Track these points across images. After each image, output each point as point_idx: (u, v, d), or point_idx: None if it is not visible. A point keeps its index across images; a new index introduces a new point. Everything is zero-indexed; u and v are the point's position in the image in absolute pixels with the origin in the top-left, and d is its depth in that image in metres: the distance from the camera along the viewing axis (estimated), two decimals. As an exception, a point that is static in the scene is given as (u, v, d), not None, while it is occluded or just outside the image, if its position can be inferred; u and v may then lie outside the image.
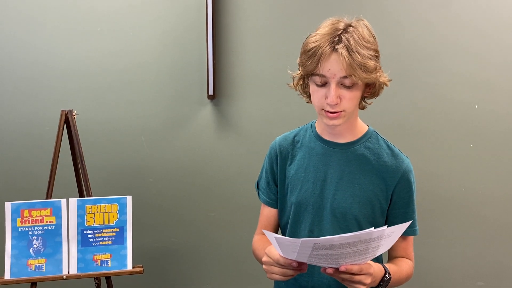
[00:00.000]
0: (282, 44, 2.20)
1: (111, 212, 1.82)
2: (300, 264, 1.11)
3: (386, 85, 1.24)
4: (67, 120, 1.90)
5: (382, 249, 1.09)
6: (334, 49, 1.14)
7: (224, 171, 2.27)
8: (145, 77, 2.24)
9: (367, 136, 1.31)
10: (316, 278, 1.31)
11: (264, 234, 1.42)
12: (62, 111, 1.89)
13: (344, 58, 1.12)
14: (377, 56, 1.19)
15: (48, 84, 2.24)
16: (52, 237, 1.77)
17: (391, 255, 1.35)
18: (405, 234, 1.30)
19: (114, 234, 1.82)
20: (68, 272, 1.78)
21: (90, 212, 1.80)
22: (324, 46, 1.14)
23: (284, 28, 2.20)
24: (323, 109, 1.20)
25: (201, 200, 2.29)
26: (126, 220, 1.83)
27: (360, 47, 1.14)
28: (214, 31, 2.18)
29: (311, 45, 1.17)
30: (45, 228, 1.77)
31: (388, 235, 1.05)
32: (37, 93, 2.24)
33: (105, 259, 1.80)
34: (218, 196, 2.28)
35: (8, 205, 1.75)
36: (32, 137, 2.25)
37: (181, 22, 2.22)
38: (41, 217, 1.77)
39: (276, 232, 1.45)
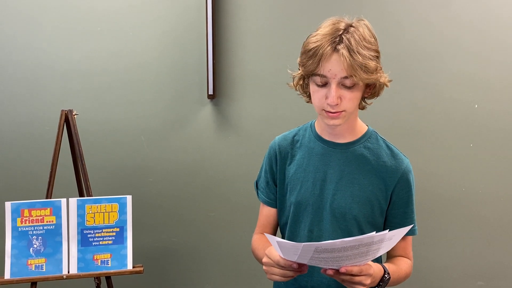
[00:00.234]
0: (282, 44, 2.20)
1: (111, 211, 1.82)
2: (300, 265, 1.11)
3: (387, 85, 1.24)
4: (67, 120, 1.90)
5: (383, 251, 1.09)
6: (335, 50, 1.14)
7: (224, 171, 2.27)
8: (145, 77, 2.24)
9: (366, 136, 1.31)
10: (316, 278, 1.31)
11: (263, 234, 1.42)
12: (62, 111, 1.89)
13: (345, 58, 1.12)
14: (377, 57, 1.19)
15: (48, 84, 2.24)
16: (52, 236, 1.77)
17: (390, 254, 1.35)
18: (404, 234, 1.31)
19: (114, 233, 1.82)
20: (68, 272, 1.78)
21: (90, 211, 1.80)
22: (325, 46, 1.14)
23: (284, 28, 2.20)
24: (323, 109, 1.20)
25: (201, 200, 2.29)
26: (126, 220, 1.83)
27: (361, 48, 1.14)
28: (214, 31, 2.18)
29: (312, 45, 1.17)
30: (45, 227, 1.77)
31: (389, 238, 1.05)
32: (37, 93, 2.24)
33: (105, 259, 1.80)
34: (218, 196, 2.29)
35: (8, 205, 1.75)
36: (32, 137, 2.25)
37: (181, 22, 2.22)
38: (41, 217, 1.77)
39: (275, 231, 1.45)
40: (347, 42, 1.13)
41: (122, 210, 1.82)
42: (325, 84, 1.18)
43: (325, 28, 1.18)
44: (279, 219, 1.41)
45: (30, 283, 1.77)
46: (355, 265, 1.07)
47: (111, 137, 2.26)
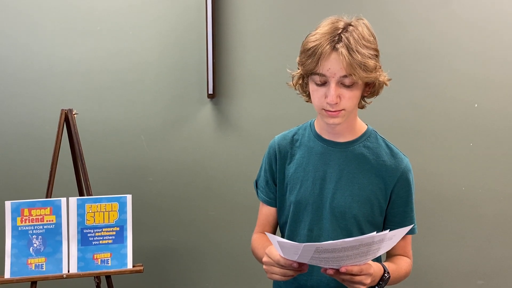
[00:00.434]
0: (282, 43, 2.20)
1: (111, 211, 1.82)
2: (300, 264, 1.11)
3: (386, 84, 1.25)
4: (67, 119, 1.90)
5: (383, 250, 1.10)
6: (334, 48, 1.14)
7: (224, 170, 2.27)
8: (145, 76, 2.24)
9: (366, 135, 1.31)
10: (315, 277, 1.31)
11: (263, 233, 1.42)
12: (62, 110, 1.89)
13: (344, 57, 1.12)
14: (377, 55, 1.19)
15: (48, 83, 2.24)
16: (52, 236, 1.77)
17: (390, 253, 1.35)
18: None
19: (114, 233, 1.82)
20: (68, 271, 1.78)
21: (90, 211, 1.80)
22: (324, 45, 1.14)
23: (284, 27, 2.20)
24: (323, 109, 1.21)
25: (201, 199, 2.29)
26: (126, 219, 1.83)
27: (360, 46, 1.14)
28: (214, 31, 2.19)
29: (311, 44, 1.17)
30: (45, 227, 1.77)
31: (390, 238, 1.06)
32: (37, 93, 2.24)
33: (105, 258, 1.80)
34: (218, 195, 2.29)
35: (8, 204, 1.75)
36: (32, 136, 2.25)
37: (181, 21, 2.22)
38: (41, 216, 1.77)
39: (275, 230, 1.45)
40: (346, 41, 1.13)
41: (122, 210, 1.83)
42: (324, 83, 1.18)
43: (324, 27, 1.19)
44: (279, 218, 1.41)
45: (30, 282, 1.77)
46: (355, 265, 1.07)
47: (111, 136, 2.26)
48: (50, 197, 1.83)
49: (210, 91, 2.20)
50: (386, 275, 1.19)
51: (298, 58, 1.24)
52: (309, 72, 1.19)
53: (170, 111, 2.26)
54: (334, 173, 1.29)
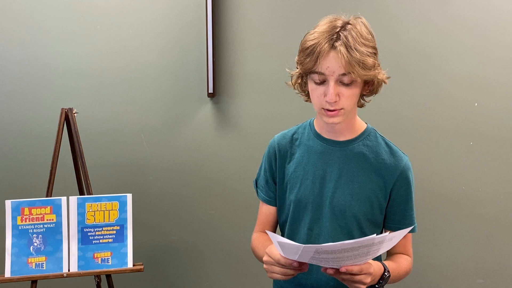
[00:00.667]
0: (282, 42, 2.20)
1: (111, 210, 1.82)
2: (300, 264, 1.11)
3: (385, 82, 1.25)
4: (67, 118, 1.90)
5: (383, 250, 1.10)
6: (332, 47, 1.14)
7: (224, 169, 2.27)
8: (145, 75, 2.24)
9: (365, 134, 1.32)
10: (315, 276, 1.31)
11: (263, 232, 1.42)
12: (62, 109, 1.89)
13: (343, 55, 1.12)
14: (375, 53, 1.19)
15: (48, 82, 2.23)
16: (53, 235, 1.77)
17: (391, 251, 1.36)
18: None
19: (114, 232, 1.82)
20: (69, 270, 1.78)
21: (91, 210, 1.80)
22: (322, 44, 1.14)
23: (284, 26, 2.20)
24: (322, 108, 1.21)
25: (201, 198, 2.29)
26: (126, 218, 1.83)
27: (359, 44, 1.14)
28: (214, 29, 2.18)
29: (309, 43, 1.17)
30: (45, 226, 1.77)
31: (390, 239, 1.06)
32: (37, 92, 2.24)
33: (106, 257, 1.81)
34: (218, 194, 2.29)
35: (8, 203, 1.75)
36: (32, 135, 2.25)
37: (181, 20, 2.22)
38: (41, 215, 1.77)
39: (275, 229, 1.46)
40: (344, 39, 1.14)
41: (122, 209, 1.83)
42: (323, 82, 1.18)
43: (322, 26, 1.19)
44: (279, 217, 1.41)
45: (30, 281, 1.77)
46: (355, 265, 1.07)
47: (111, 135, 2.26)
48: (51, 196, 1.83)
49: (210, 90, 2.20)
50: (386, 274, 1.20)
51: (296, 57, 1.24)
52: (307, 71, 1.19)
53: (170, 110, 2.26)
54: (334, 172, 1.29)
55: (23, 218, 1.76)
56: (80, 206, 1.79)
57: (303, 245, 1.01)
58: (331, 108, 1.19)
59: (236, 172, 2.27)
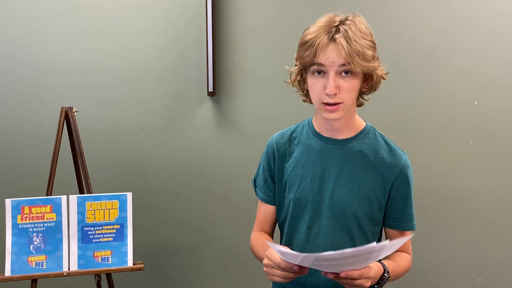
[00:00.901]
0: (282, 41, 2.20)
1: (112, 209, 1.82)
2: (301, 267, 1.11)
3: (384, 78, 1.25)
4: (67, 117, 1.90)
5: (383, 255, 1.10)
6: (332, 39, 1.15)
7: (224, 168, 2.28)
8: (145, 74, 2.24)
9: (364, 132, 1.31)
10: (314, 276, 1.31)
11: (262, 231, 1.42)
12: (62, 108, 1.89)
13: (343, 46, 1.13)
14: (374, 48, 1.20)
15: (48, 81, 2.23)
16: (53, 234, 1.77)
17: None
18: (404, 229, 1.32)
19: (114, 231, 1.82)
20: (69, 269, 1.78)
21: (91, 209, 1.80)
22: (322, 36, 1.15)
23: (284, 25, 2.20)
24: (321, 103, 1.20)
25: (201, 197, 2.29)
26: (126, 217, 1.83)
27: (358, 38, 1.15)
28: (214, 28, 2.18)
29: (309, 37, 1.17)
30: (45, 225, 1.77)
31: (390, 246, 1.07)
32: (37, 91, 2.24)
33: (106, 256, 1.81)
34: (218, 193, 2.29)
35: (8, 202, 1.75)
36: (32, 134, 2.25)
37: (181, 19, 2.22)
38: (42, 214, 1.77)
39: (274, 228, 1.46)
40: (344, 32, 1.15)
41: (122, 207, 1.83)
42: (323, 75, 1.18)
43: (321, 22, 1.20)
44: (278, 216, 1.41)
45: (30, 280, 1.77)
46: (356, 270, 1.07)
47: (111, 134, 2.26)
48: (51, 195, 1.83)
49: (210, 89, 2.19)
50: (386, 274, 1.20)
51: (295, 54, 1.24)
52: (307, 64, 1.19)
53: (170, 109, 2.26)
54: (333, 171, 1.29)
55: (23, 217, 1.76)
56: (80, 205, 1.79)
57: (303, 253, 1.02)
58: (331, 102, 1.18)
59: (236, 171, 2.27)
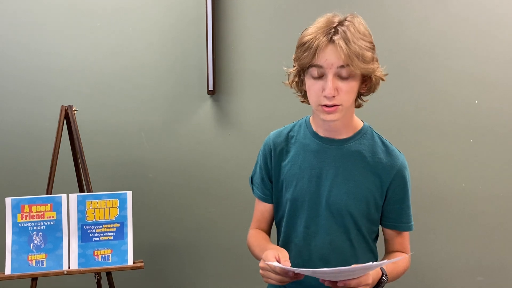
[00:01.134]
0: (282, 40, 2.20)
1: (112, 207, 1.82)
2: (296, 273, 1.13)
3: (382, 79, 1.24)
4: (67, 116, 1.90)
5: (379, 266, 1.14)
6: (330, 40, 1.14)
7: (224, 167, 2.27)
8: (145, 72, 2.24)
9: (362, 132, 1.31)
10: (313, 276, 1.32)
11: (258, 229, 1.43)
12: (62, 106, 1.89)
13: (342, 48, 1.12)
14: (373, 49, 1.19)
15: (48, 80, 2.23)
16: (53, 232, 1.77)
17: (388, 249, 1.37)
18: (401, 230, 1.33)
19: (114, 229, 1.82)
20: (69, 268, 1.78)
21: (91, 207, 1.80)
22: (320, 38, 1.14)
23: (284, 24, 2.20)
24: (319, 104, 1.20)
25: (201, 196, 2.29)
26: (126, 216, 1.83)
27: (356, 39, 1.14)
28: (214, 27, 2.18)
29: (307, 38, 1.17)
30: (45, 223, 1.77)
31: (387, 264, 1.10)
32: (37, 90, 2.23)
33: (106, 255, 1.81)
34: (218, 192, 2.29)
35: (8, 201, 1.75)
36: (32, 133, 2.24)
37: (181, 18, 2.22)
38: (42, 213, 1.77)
39: (271, 225, 1.46)
40: (343, 33, 1.14)
41: (123, 206, 1.83)
42: (321, 77, 1.17)
43: (319, 22, 1.19)
44: (275, 215, 1.42)
45: (30, 278, 1.77)
46: (353, 279, 1.09)
47: (111, 133, 2.26)
48: (51, 194, 1.83)
49: (210, 88, 2.19)
50: (384, 278, 1.21)
51: (294, 55, 1.23)
52: (305, 65, 1.18)
53: (170, 107, 2.26)
54: (330, 171, 1.29)
55: (23, 216, 1.76)
56: (80, 203, 1.79)
57: (299, 269, 1.05)
58: (329, 104, 1.17)
59: (236, 170, 2.27)
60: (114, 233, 1.82)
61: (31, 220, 1.76)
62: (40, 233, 1.77)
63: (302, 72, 1.24)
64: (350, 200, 1.27)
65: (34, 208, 1.76)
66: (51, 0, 2.20)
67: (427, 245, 2.25)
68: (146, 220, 2.28)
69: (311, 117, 1.36)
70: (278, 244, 1.41)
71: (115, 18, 2.21)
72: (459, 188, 2.22)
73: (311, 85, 1.20)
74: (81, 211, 1.79)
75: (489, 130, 2.19)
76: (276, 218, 1.42)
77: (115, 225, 1.82)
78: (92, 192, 1.86)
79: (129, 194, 1.84)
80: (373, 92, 1.26)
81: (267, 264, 1.13)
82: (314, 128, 1.33)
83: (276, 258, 1.14)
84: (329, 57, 1.14)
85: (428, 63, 2.18)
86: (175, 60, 2.24)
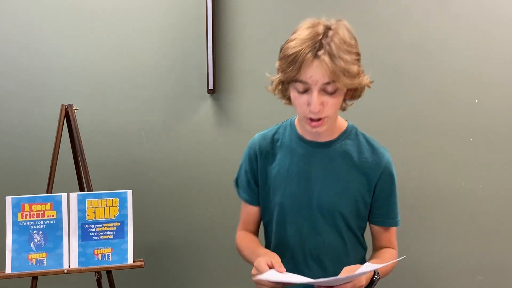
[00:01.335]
0: (282, 39, 2.18)
1: (112, 206, 1.82)
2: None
3: (368, 87, 1.23)
4: (67, 115, 1.90)
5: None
6: (316, 56, 1.11)
7: (224, 166, 2.27)
8: (145, 72, 2.24)
9: (347, 133, 1.33)
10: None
11: (247, 231, 1.45)
12: (62, 105, 1.89)
13: (327, 64, 1.10)
14: (358, 59, 1.17)
15: (48, 79, 2.23)
16: (53, 231, 1.78)
17: (376, 245, 1.40)
18: (388, 225, 1.36)
19: (114, 228, 1.82)
20: (69, 266, 1.78)
21: (91, 206, 1.80)
22: (306, 53, 1.11)
23: (284, 23, 2.19)
24: (306, 117, 1.20)
25: (201, 195, 2.29)
26: (126, 215, 1.83)
27: (342, 52, 1.11)
28: (214, 26, 2.18)
29: (291, 51, 1.13)
30: (45, 222, 1.77)
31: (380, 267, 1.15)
32: (38, 89, 2.23)
33: (106, 253, 1.81)
34: (218, 191, 2.29)
35: (8, 200, 1.75)
36: (32, 132, 2.25)
37: (181, 16, 2.22)
38: (42, 212, 1.77)
39: (258, 227, 1.47)
40: (327, 47, 1.11)
41: (123, 205, 1.83)
42: (306, 91, 1.16)
43: (303, 31, 1.15)
44: (263, 217, 1.43)
45: (31, 277, 1.77)
46: (348, 283, 1.11)
47: (111, 132, 2.26)
48: (51, 193, 1.83)
49: (210, 87, 2.19)
50: (376, 276, 1.23)
51: (277, 64, 1.21)
52: (290, 79, 1.17)
53: (170, 106, 2.26)
54: (318, 173, 1.31)
55: (24, 215, 1.76)
56: (81, 202, 1.79)
57: (294, 280, 1.08)
58: (315, 118, 1.18)
59: (236, 169, 2.25)
60: (114, 232, 1.82)
61: (31, 219, 1.76)
62: (41, 232, 1.77)
63: (286, 82, 1.22)
64: (340, 201, 1.30)
65: (34, 207, 1.76)
66: (51, 0, 2.20)
67: (427, 244, 2.25)
68: (146, 219, 2.28)
69: (296, 119, 1.37)
70: (267, 246, 1.43)
71: (115, 18, 2.21)
72: (459, 187, 2.22)
73: (296, 98, 1.19)
74: (81, 210, 1.79)
75: (489, 129, 2.19)
76: (263, 219, 1.43)
77: (115, 224, 1.82)
78: (92, 191, 1.86)
79: (129, 193, 1.84)
80: (358, 98, 1.25)
81: (259, 280, 1.15)
82: (300, 132, 1.34)
83: (268, 264, 1.15)
84: (315, 74, 1.12)
85: (428, 63, 2.18)
86: (175, 59, 2.23)
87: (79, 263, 1.79)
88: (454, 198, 2.23)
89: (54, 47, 2.22)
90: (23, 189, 2.12)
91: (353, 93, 1.23)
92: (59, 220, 1.78)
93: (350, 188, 1.29)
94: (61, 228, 1.78)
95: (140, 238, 2.18)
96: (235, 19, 2.21)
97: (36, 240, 1.77)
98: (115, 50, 2.23)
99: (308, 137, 1.32)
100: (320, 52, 1.10)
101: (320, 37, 1.12)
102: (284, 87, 1.25)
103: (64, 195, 1.79)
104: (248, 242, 1.38)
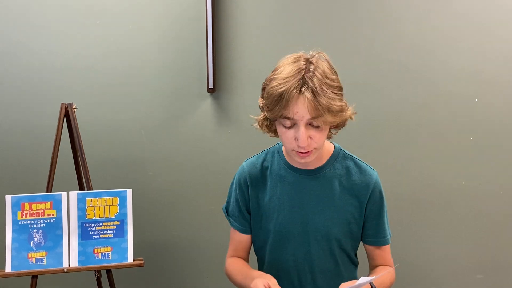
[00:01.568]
0: (282, 38, 2.19)
1: (112, 205, 1.82)
2: None
3: (352, 118, 1.25)
4: (67, 114, 1.90)
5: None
6: (300, 93, 1.13)
7: (223, 165, 2.28)
8: (145, 71, 2.24)
9: (334, 157, 1.35)
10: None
11: (237, 257, 1.45)
12: (62, 104, 1.89)
13: (310, 102, 1.12)
14: (341, 93, 1.19)
15: (48, 78, 2.23)
16: (53, 230, 1.77)
17: (372, 264, 1.42)
18: (379, 245, 1.38)
19: (114, 227, 1.82)
20: (69, 265, 1.78)
21: (91, 205, 1.80)
22: (290, 90, 1.13)
23: (284, 22, 2.19)
24: (294, 150, 1.22)
25: (201, 193, 2.29)
26: (126, 213, 1.83)
27: (325, 86, 1.13)
28: (214, 25, 2.18)
29: (277, 91, 1.15)
30: (45, 221, 1.77)
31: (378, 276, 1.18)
32: (37, 88, 2.23)
33: (106, 252, 1.81)
34: (217, 189, 2.29)
35: (8, 198, 1.75)
36: (32, 131, 2.24)
37: (181, 15, 2.21)
38: (42, 210, 1.77)
39: (249, 253, 1.47)
40: (310, 83, 1.13)
41: (123, 204, 1.83)
42: (293, 125, 1.18)
43: (286, 67, 1.18)
44: (254, 243, 1.44)
45: (30, 276, 1.77)
46: None
47: (111, 130, 2.26)
48: (51, 191, 1.83)
49: (210, 86, 2.19)
50: None
51: (260, 101, 1.25)
52: (277, 117, 1.19)
53: (170, 105, 2.25)
54: (310, 200, 1.32)
55: (23, 213, 1.76)
56: (80, 201, 1.79)
57: None
58: (303, 151, 1.20)
59: (235, 167, 2.25)
60: (114, 231, 1.82)
61: (31, 218, 1.76)
62: (40, 230, 1.77)
63: (272, 119, 1.25)
64: (333, 225, 1.32)
65: (34, 206, 1.76)
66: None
67: (427, 243, 2.25)
68: (146, 218, 2.28)
69: (283, 147, 1.38)
70: (259, 269, 1.44)
71: (116, 17, 2.21)
72: (458, 186, 2.23)
73: (283, 133, 1.22)
74: (81, 209, 1.79)
75: (489, 128, 2.19)
76: (255, 246, 1.45)
77: (115, 222, 1.82)
78: (92, 190, 1.86)
79: (129, 192, 1.84)
80: (342, 127, 1.28)
81: None
82: (288, 160, 1.36)
83: (265, 286, 1.17)
84: (300, 110, 1.14)
85: (428, 61, 2.18)
86: (175, 58, 2.23)
87: (79, 262, 1.79)
88: (453, 197, 2.23)
89: (54, 46, 2.22)
90: (23, 188, 2.12)
91: (338, 123, 1.25)
92: (59, 219, 1.78)
93: (343, 211, 1.32)
94: (61, 227, 1.78)
95: (140, 237, 2.18)
96: (235, 18, 2.21)
97: (36, 239, 1.77)
98: (115, 49, 2.23)
99: (297, 165, 1.34)
100: (304, 89, 1.13)
101: (303, 73, 1.15)
102: (270, 122, 1.28)
103: (64, 194, 1.79)
104: (241, 267, 1.40)
